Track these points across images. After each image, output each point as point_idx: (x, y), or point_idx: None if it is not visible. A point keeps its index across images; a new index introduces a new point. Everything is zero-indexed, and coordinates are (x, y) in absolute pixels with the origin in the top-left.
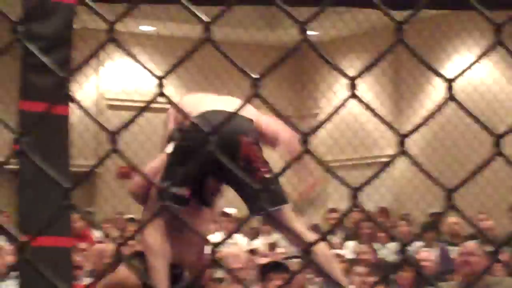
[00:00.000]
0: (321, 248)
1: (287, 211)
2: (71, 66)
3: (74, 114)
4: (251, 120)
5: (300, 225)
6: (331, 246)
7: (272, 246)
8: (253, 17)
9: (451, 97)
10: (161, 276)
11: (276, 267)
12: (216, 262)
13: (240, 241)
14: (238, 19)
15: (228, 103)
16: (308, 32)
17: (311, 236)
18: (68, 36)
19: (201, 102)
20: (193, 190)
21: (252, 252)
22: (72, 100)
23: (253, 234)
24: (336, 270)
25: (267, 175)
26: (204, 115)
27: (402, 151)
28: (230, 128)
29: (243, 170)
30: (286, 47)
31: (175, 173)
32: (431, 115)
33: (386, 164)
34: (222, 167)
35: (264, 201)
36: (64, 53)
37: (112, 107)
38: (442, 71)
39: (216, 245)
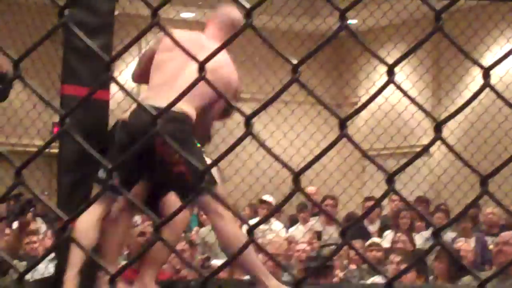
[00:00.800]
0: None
1: (205, 199)
2: (112, 52)
3: (112, 99)
4: (181, 114)
5: (212, 213)
6: (369, 235)
7: (318, 235)
8: (291, 6)
9: (488, 85)
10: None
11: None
12: (257, 245)
13: (278, 229)
14: (276, 7)
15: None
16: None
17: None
18: (110, 22)
19: (151, 94)
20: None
21: (291, 239)
22: (117, 82)
23: (291, 221)
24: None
25: (182, 170)
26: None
27: (439, 137)
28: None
29: (160, 167)
30: (325, 36)
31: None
32: (468, 102)
33: (424, 149)
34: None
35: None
36: (106, 39)
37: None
38: (481, 61)
39: (253, 226)
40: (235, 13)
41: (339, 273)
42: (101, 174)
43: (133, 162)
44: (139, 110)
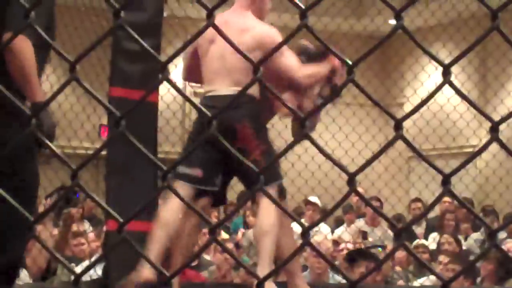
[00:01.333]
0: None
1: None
2: (160, 53)
3: (161, 101)
4: (250, 97)
5: (266, 206)
6: (416, 236)
7: (364, 235)
8: (339, 6)
9: None
10: (153, 245)
11: (362, 254)
12: (310, 245)
13: (324, 230)
14: (324, 7)
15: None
16: (391, 22)
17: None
18: (159, 23)
19: (208, 80)
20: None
21: (336, 241)
22: (172, 84)
23: (337, 223)
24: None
25: (259, 157)
26: (208, 98)
27: (496, 137)
28: (227, 116)
29: (241, 154)
30: (372, 36)
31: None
32: None
33: (480, 150)
34: (223, 152)
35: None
36: (155, 40)
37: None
38: None
39: (307, 230)
40: None
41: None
42: (182, 169)
43: (216, 156)
44: (208, 101)
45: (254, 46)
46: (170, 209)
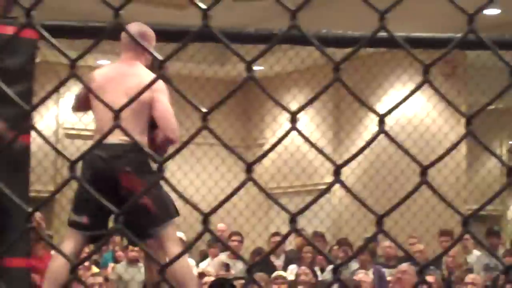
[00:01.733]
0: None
1: (167, 230)
2: (33, 97)
3: (34, 142)
4: (132, 145)
5: (171, 244)
6: (275, 268)
7: (227, 267)
8: (204, 53)
9: (383, 131)
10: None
11: (223, 285)
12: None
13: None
14: (190, 54)
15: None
16: (255, 68)
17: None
18: (31, 69)
19: (99, 127)
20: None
21: (201, 274)
22: (36, 131)
23: (202, 256)
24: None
25: (147, 201)
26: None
27: (337, 180)
28: (110, 163)
29: (126, 200)
30: (235, 81)
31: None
32: (364, 148)
33: (324, 191)
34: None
35: (149, 225)
36: (27, 85)
37: (69, 135)
38: (379, 104)
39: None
40: (133, 29)
41: None
42: (72, 217)
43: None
44: (101, 149)
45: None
46: (60, 260)
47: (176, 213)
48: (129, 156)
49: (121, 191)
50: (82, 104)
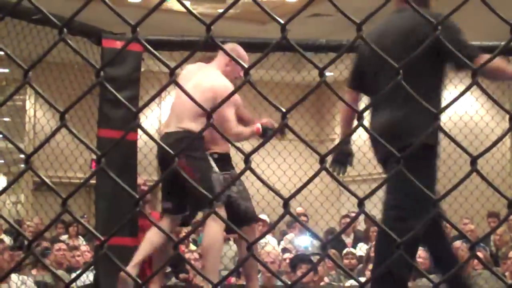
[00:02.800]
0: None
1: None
2: (139, 101)
3: (140, 139)
4: (183, 131)
5: (210, 224)
6: (345, 245)
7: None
8: (282, 61)
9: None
10: (140, 253)
11: (301, 259)
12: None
13: (272, 242)
14: (271, 63)
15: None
16: (326, 73)
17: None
18: (137, 77)
19: (167, 121)
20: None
21: (283, 250)
22: (142, 129)
23: (282, 236)
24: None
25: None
26: (163, 136)
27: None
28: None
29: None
30: (309, 85)
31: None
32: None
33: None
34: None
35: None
36: (134, 91)
37: None
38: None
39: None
40: (228, 46)
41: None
42: (163, 204)
43: (173, 186)
44: (162, 138)
45: (210, 95)
46: (157, 232)
47: (219, 199)
48: (179, 143)
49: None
50: None
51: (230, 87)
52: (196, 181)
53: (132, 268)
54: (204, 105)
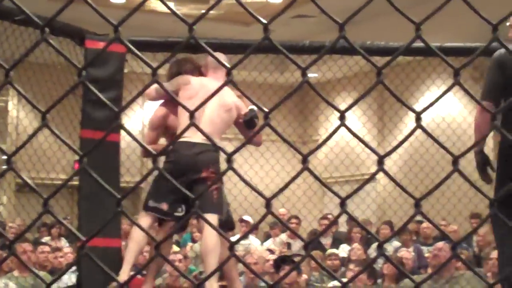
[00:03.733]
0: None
1: (212, 217)
2: (122, 102)
3: (123, 140)
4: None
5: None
6: (323, 246)
7: (288, 246)
8: (265, 63)
9: (419, 126)
10: (130, 254)
11: (285, 260)
12: (235, 257)
13: (254, 243)
14: (254, 64)
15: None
16: (309, 75)
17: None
18: (120, 78)
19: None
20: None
21: (268, 251)
22: (124, 129)
23: (265, 237)
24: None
25: (215, 192)
26: (179, 144)
27: (381, 169)
28: (196, 159)
29: (200, 187)
30: (292, 86)
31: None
32: (404, 140)
33: (370, 178)
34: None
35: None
36: (117, 91)
37: None
38: (417, 105)
39: (234, 243)
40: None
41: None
42: (151, 203)
43: (179, 190)
44: (186, 145)
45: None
46: (140, 233)
47: (221, 212)
48: (211, 154)
49: (198, 180)
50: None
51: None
52: (216, 190)
53: (125, 274)
54: (229, 123)
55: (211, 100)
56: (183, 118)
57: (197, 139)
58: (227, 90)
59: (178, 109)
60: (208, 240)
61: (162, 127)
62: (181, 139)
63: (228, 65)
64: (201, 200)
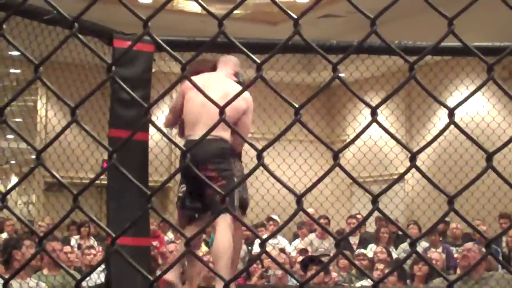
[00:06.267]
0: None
1: (225, 216)
2: (150, 101)
3: (151, 139)
4: (221, 140)
5: (222, 229)
6: (351, 246)
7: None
8: (293, 62)
9: (453, 122)
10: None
11: (312, 260)
12: (267, 254)
13: (283, 242)
14: (281, 64)
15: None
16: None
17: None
18: (148, 77)
19: (191, 131)
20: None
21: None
22: (153, 124)
23: (294, 237)
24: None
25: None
26: (188, 142)
27: (414, 165)
28: (196, 155)
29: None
30: (320, 86)
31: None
32: (437, 136)
33: (401, 176)
34: (199, 183)
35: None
36: (145, 91)
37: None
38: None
39: (265, 240)
40: (233, 58)
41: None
42: (190, 204)
43: (195, 188)
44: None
45: (244, 105)
46: (190, 231)
47: (234, 209)
48: (210, 148)
49: (204, 181)
50: (176, 116)
51: (249, 95)
52: (220, 187)
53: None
54: (235, 115)
55: (212, 93)
56: (187, 118)
57: (198, 137)
58: (230, 82)
59: (186, 106)
60: (221, 242)
61: (180, 113)
62: (187, 139)
63: (257, 60)
64: (212, 204)
